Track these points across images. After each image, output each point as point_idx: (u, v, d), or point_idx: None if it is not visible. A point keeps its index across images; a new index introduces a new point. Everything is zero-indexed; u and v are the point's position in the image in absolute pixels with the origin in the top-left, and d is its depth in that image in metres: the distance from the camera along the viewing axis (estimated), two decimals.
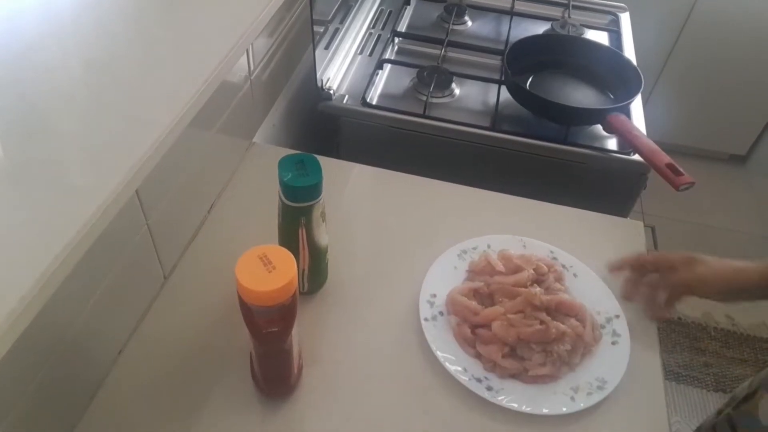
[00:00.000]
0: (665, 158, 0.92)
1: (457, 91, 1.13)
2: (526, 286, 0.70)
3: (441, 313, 0.70)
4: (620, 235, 0.82)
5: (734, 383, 0.82)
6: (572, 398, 0.64)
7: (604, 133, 1.05)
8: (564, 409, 0.63)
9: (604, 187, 1.04)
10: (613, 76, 1.12)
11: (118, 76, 0.60)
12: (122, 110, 0.57)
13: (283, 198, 0.62)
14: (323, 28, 1.10)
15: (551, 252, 0.79)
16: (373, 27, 1.28)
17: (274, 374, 0.61)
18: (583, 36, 1.27)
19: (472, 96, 1.13)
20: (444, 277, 0.74)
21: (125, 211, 0.55)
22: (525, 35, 1.19)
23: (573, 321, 0.69)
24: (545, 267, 0.74)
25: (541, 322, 0.67)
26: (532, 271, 0.72)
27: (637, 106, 1.10)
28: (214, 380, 0.64)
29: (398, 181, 0.89)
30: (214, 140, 0.79)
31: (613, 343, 0.69)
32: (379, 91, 1.13)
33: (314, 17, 0.98)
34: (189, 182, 0.74)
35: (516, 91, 1.08)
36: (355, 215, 0.84)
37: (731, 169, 2.28)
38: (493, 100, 1.10)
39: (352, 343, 0.68)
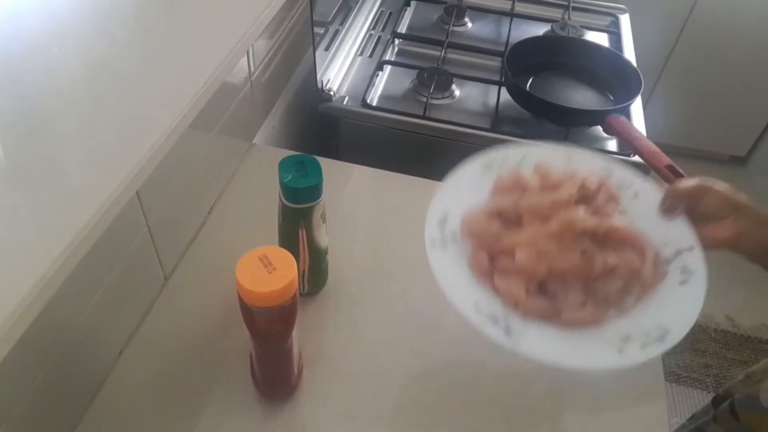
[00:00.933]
0: (665, 160, 0.92)
1: (457, 93, 1.13)
2: (566, 208, 0.54)
3: (454, 239, 0.56)
4: None
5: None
6: (620, 350, 0.49)
7: (604, 135, 1.05)
8: (608, 363, 0.49)
9: None
10: (613, 78, 1.12)
11: (118, 77, 0.60)
12: (123, 111, 0.57)
13: (284, 199, 0.62)
14: (323, 29, 1.10)
15: (605, 168, 0.62)
16: (374, 28, 1.28)
17: (275, 375, 0.61)
18: (583, 37, 1.27)
19: (472, 97, 1.13)
20: (462, 196, 0.59)
21: (126, 212, 0.55)
22: (525, 37, 1.19)
23: (628, 253, 0.54)
24: (594, 184, 0.57)
25: (584, 253, 0.51)
26: (575, 190, 0.56)
27: (637, 107, 1.10)
28: (215, 381, 0.64)
29: (398, 182, 0.89)
30: (215, 141, 0.79)
31: (683, 282, 0.54)
32: (379, 92, 1.13)
33: (314, 18, 0.98)
34: (189, 183, 0.74)
35: (516, 92, 1.08)
36: (355, 216, 0.84)
37: (731, 170, 2.27)
38: (493, 101, 1.10)
39: (353, 344, 0.68)
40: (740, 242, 0.56)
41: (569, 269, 0.52)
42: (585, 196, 0.56)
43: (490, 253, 0.55)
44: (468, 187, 0.60)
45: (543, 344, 0.49)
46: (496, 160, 0.61)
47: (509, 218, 0.56)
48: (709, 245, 0.57)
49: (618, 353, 0.49)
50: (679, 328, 0.50)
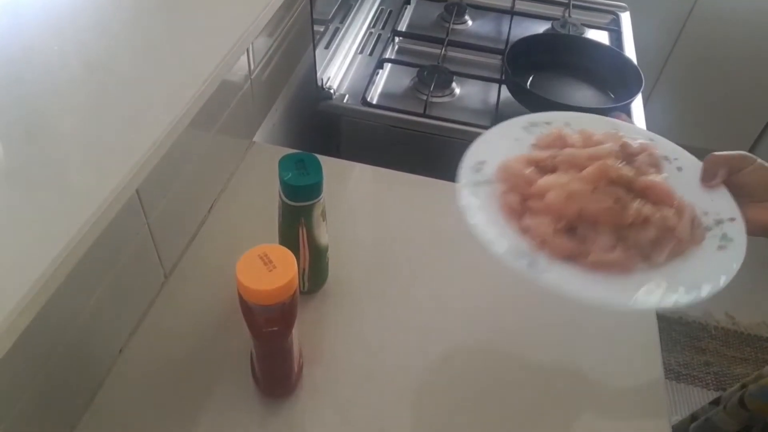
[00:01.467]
0: None
1: (457, 91, 1.13)
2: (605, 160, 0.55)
3: (487, 182, 0.56)
4: None
5: (735, 382, 0.82)
6: (648, 291, 0.49)
7: None
8: (633, 301, 0.48)
9: None
10: (614, 76, 1.12)
11: (117, 75, 0.60)
12: (122, 109, 0.57)
13: (284, 197, 0.62)
14: (323, 27, 1.10)
15: (651, 140, 0.63)
16: (374, 26, 1.28)
17: (275, 373, 0.61)
18: (583, 35, 1.27)
19: (472, 95, 1.13)
20: (500, 146, 0.59)
21: (126, 210, 0.55)
22: (525, 34, 1.19)
23: (665, 210, 0.53)
24: (637, 146, 0.58)
25: (617, 200, 0.51)
26: (617, 147, 0.57)
27: (637, 105, 1.09)
28: (215, 380, 0.64)
29: (398, 180, 0.89)
30: (215, 140, 0.79)
31: (721, 248, 0.53)
32: (379, 90, 1.13)
33: (314, 17, 0.98)
34: (189, 182, 0.74)
35: (516, 90, 1.08)
36: (355, 214, 0.84)
37: None
38: (493, 99, 1.10)
39: (353, 342, 0.68)
40: None
41: (600, 213, 0.51)
42: (626, 156, 0.57)
43: (522, 196, 0.55)
44: (508, 141, 0.60)
45: (566, 278, 0.49)
46: (540, 121, 0.62)
47: (545, 168, 0.56)
48: (749, 230, 0.55)
49: (646, 293, 0.49)
50: (711, 285, 0.49)
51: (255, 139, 0.93)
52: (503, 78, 1.12)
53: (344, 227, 0.78)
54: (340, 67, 1.13)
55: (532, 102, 1.06)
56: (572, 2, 1.36)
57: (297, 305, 0.54)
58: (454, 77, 1.13)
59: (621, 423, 0.63)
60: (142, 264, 0.67)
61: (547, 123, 0.62)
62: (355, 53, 1.19)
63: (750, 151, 2.31)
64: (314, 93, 1.06)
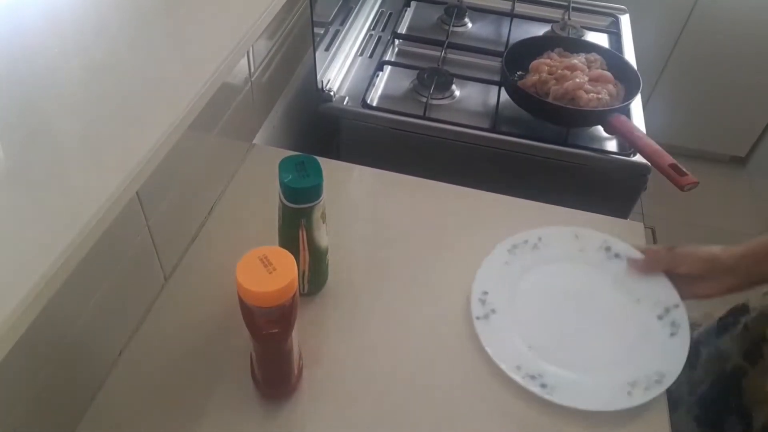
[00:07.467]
0: (668, 159, 0.92)
1: (457, 93, 1.13)
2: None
3: (493, 311, 0.70)
4: (620, 237, 0.82)
5: None
6: (629, 393, 0.64)
7: (604, 135, 1.05)
8: (621, 405, 0.63)
9: (605, 189, 1.04)
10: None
11: (118, 77, 0.60)
12: (123, 112, 0.57)
13: (284, 199, 0.62)
14: (324, 29, 1.10)
15: (605, 241, 0.78)
16: (374, 29, 1.28)
17: (275, 375, 0.61)
18: (583, 38, 1.27)
19: (472, 98, 1.13)
20: (495, 274, 0.74)
21: (126, 212, 0.55)
22: (525, 37, 1.19)
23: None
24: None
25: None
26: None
27: (637, 107, 1.10)
28: (215, 381, 0.64)
29: (398, 182, 0.89)
30: (215, 142, 0.79)
31: (672, 335, 0.69)
32: (379, 92, 1.13)
33: (315, 19, 0.98)
34: (189, 184, 0.74)
35: (516, 92, 1.08)
36: (355, 217, 0.85)
37: (731, 170, 2.28)
38: (493, 101, 1.10)
39: (353, 344, 0.69)
40: (739, 289, 0.68)
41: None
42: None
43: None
44: (498, 267, 0.75)
45: (571, 394, 0.64)
46: (519, 242, 0.77)
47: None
48: (699, 298, 0.71)
49: (628, 396, 0.64)
50: (672, 372, 0.65)
51: (255, 141, 0.93)
52: (503, 80, 1.13)
53: (344, 229, 0.78)
54: (340, 70, 1.13)
55: (531, 104, 1.06)
56: (572, 5, 1.36)
57: (297, 307, 0.54)
58: (454, 79, 1.13)
59: (622, 423, 0.63)
60: (142, 266, 0.67)
61: (525, 242, 0.77)
62: (355, 55, 1.19)
63: (750, 152, 2.31)
64: (314, 95, 1.06)
